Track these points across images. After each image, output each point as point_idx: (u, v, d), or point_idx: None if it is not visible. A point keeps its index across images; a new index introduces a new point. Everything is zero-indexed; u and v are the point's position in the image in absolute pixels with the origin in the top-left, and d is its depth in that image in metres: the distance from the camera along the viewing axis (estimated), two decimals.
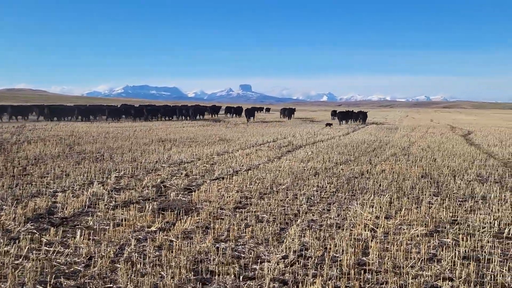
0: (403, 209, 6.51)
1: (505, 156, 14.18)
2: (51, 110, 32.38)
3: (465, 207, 6.84)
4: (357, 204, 6.86)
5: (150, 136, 18.57)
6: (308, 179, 9.08)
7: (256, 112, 55.90)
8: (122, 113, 36.68)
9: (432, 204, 7.06)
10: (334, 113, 45.40)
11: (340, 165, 11.36)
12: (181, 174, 9.40)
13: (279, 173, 9.65)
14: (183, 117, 38.75)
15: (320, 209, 6.60)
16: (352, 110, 40.65)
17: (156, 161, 11.18)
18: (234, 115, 48.19)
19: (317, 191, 7.93)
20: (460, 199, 7.47)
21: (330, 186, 8.36)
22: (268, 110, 75.82)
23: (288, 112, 44.27)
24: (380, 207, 6.67)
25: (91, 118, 33.86)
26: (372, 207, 6.64)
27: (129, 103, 64.47)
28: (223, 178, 9.02)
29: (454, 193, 7.94)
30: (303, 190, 7.96)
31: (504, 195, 7.75)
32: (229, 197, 7.23)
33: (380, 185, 8.56)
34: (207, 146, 15.09)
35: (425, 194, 7.72)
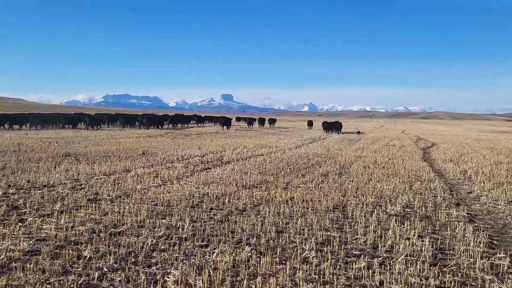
0: (245, 280, 4.04)
1: (456, 176, 11.91)
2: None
3: (349, 273, 4.40)
4: (185, 266, 4.36)
5: (63, 148, 15.87)
6: (172, 215, 6.57)
7: (241, 121, 53.39)
8: (101, 121, 38.49)
9: (305, 263, 4.60)
10: (310, 123, 46.77)
11: (246, 189, 8.90)
12: (5, 206, 6.79)
13: (143, 205, 7.13)
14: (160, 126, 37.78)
15: (117, 279, 4.08)
16: (328, 121, 41.67)
17: (8, 186, 8.56)
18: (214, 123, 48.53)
19: (161, 237, 5.43)
20: (354, 254, 5.03)
21: (188, 228, 5.86)
22: (254, 120, 72.39)
23: (250, 121, 42.91)
24: (216, 273, 4.18)
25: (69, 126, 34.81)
26: (203, 275, 4.15)
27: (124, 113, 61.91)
28: (58, 213, 6.46)
29: (352, 240, 5.51)
30: (141, 236, 5.45)
31: (421, 244, 5.35)
32: (9, 250, 4.67)
33: (261, 224, 6.09)
34: (116, 162, 12.51)
35: (308, 243, 5.27)
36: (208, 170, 11.77)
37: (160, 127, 38.26)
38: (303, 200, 7.90)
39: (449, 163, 14.75)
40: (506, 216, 7.17)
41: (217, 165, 12.78)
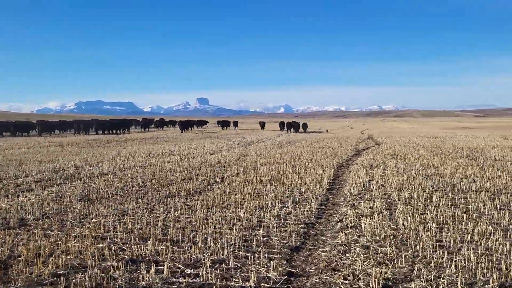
0: None
1: (352, 190, 8.90)
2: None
3: None
4: None
5: None
6: None
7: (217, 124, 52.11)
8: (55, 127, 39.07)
9: None
10: (262, 125, 49.13)
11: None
12: None
13: None
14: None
15: None
16: (286, 121, 44.97)
17: None
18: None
19: None
20: None
21: None
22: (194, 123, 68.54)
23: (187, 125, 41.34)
24: None
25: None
26: None
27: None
28: None
29: None
30: None
31: None
32: None
33: None
34: None
35: None
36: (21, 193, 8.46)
37: (116, 131, 37.22)
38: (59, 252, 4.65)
39: (363, 170, 11.77)
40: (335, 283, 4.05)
41: (49, 185, 9.47)
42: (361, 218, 6.49)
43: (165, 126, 52.78)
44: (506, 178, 10.41)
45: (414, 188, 9.07)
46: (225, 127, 49.78)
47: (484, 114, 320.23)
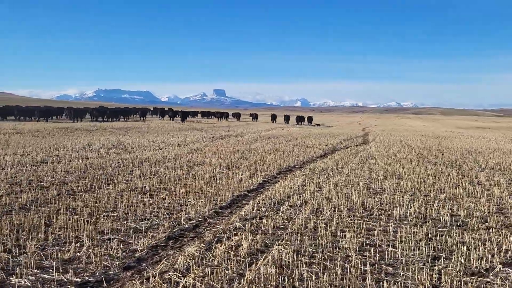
0: None
1: (252, 213, 6.19)
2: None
3: None
4: None
5: None
6: None
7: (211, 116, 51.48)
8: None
9: None
10: (255, 117, 50.11)
11: None
12: None
13: None
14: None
15: None
16: (289, 115, 46.89)
17: None
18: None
19: None
20: None
21: None
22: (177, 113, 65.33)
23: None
24: None
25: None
26: None
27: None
28: None
29: None
30: None
31: None
32: None
33: None
34: None
35: None
36: None
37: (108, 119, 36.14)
38: None
39: (300, 179, 9.06)
40: None
41: None
42: (187, 275, 3.82)
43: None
44: (480, 198, 7.53)
45: (339, 211, 6.32)
46: (219, 119, 48.36)
47: (505, 114, 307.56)
